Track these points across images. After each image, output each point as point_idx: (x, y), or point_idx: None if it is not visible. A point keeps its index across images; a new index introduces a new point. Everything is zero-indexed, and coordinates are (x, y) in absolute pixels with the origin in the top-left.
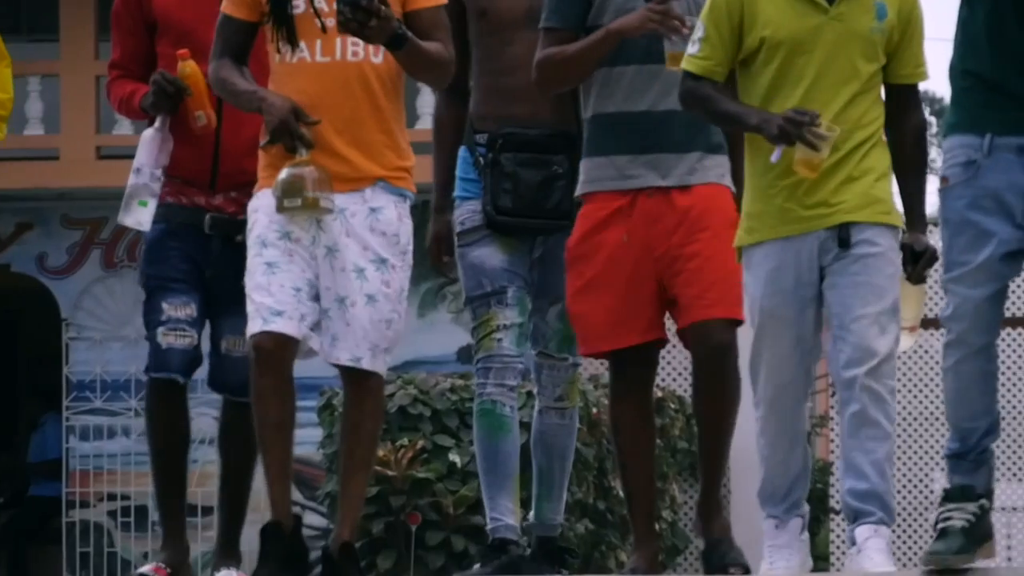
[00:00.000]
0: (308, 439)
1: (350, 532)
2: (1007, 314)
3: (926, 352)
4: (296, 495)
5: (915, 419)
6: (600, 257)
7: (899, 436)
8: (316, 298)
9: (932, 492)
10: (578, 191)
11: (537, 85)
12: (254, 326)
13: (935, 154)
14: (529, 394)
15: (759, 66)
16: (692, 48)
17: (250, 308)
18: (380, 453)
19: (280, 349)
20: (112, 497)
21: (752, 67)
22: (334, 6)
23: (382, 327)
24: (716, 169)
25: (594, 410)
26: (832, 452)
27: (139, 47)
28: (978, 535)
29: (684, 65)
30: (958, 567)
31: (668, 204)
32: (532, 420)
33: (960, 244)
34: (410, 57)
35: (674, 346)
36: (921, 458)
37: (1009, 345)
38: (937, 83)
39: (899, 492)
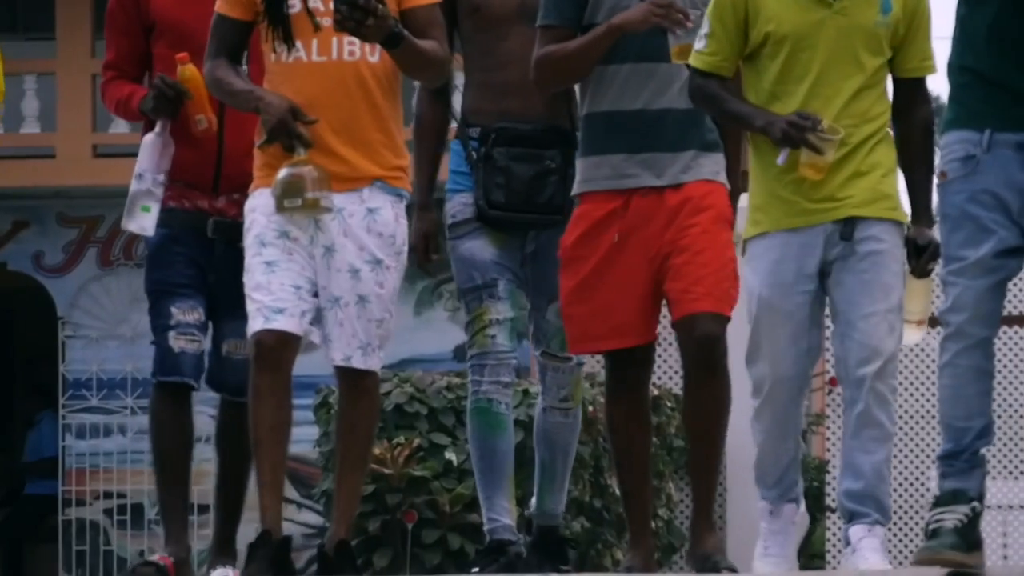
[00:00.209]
0: (304, 437)
1: (346, 530)
2: (1003, 312)
3: (923, 351)
4: (292, 493)
5: (911, 418)
6: (595, 259)
7: (896, 435)
8: (315, 295)
9: (928, 491)
10: (574, 190)
11: (536, 83)
12: (255, 324)
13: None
14: (526, 392)
15: (764, 61)
16: (698, 44)
17: (250, 307)
18: (376, 451)
19: (282, 347)
20: (108, 495)
21: (757, 62)
22: (330, 5)
23: (372, 327)
24: (711, 167)
25: (590, 408)
26: (828, 451)
27: (134, 48)
28: (971, 537)
29: (691, 62)
30: (951, 560)
31: (660, 203)
32: (531, 417)
33: (959, 239)
34: (406, 56)
35: (671, 344)
36: (917, 457)
37: (1005, 343)
38: (934, 81)
39: (895, 491)
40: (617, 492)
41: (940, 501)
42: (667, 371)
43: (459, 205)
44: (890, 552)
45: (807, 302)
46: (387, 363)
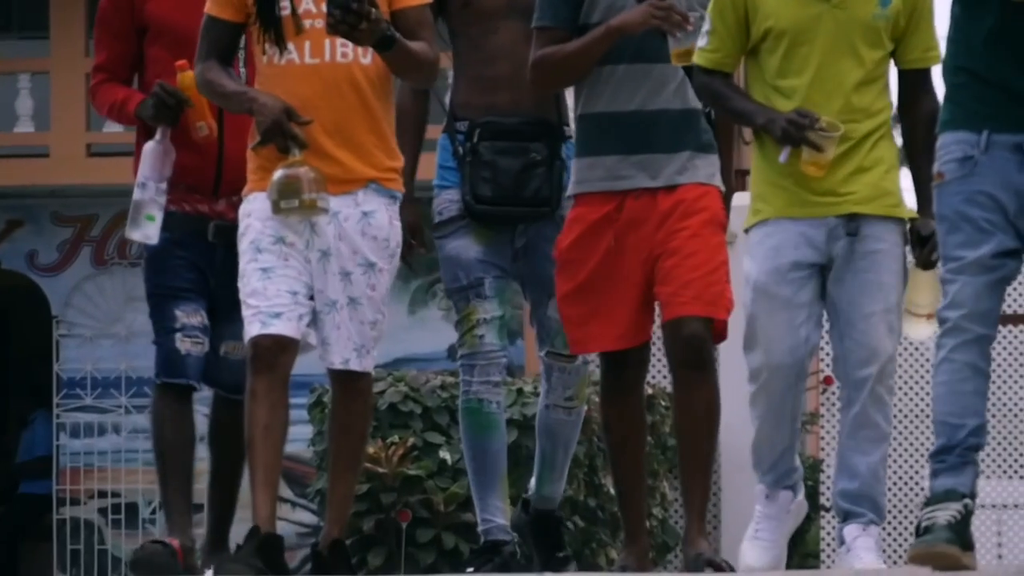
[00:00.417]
0: (298, 436)
1: (340, 530)
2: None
3: (916, 350)
4: (286, 492)
5: (906, 417)
6: (592, 262)
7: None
8: (311, 298)
9: (922, 490)
10: (569, 191)
11: (534, 85)
12: (252, 329)
13: None
14: (520, 391)
15: (764, 55)
16: (701, 41)
17: (247, 313)
18: (371, 450)
19: (280, 351)
20: (103, 494)
21: (758, 56)
22: (322, 7)
23: (366, 328)
24: (706, 169)
25: (585, 407)
26: (822, 450)
27: (127, 50)
28: (964, 536)
29: (695, 59)
30: (946, 554)
31: (653, 206)
32: (525, 416)
33: (957, 240)
34: (397, 58)
35: None
36: (911, 456)
37: (999, 342)
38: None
39: (889, 490)
40: (612, 491)
41: (932, 500)
42: (662, 370)
43: (446, 202)
44: (884, 552)
45: (805, 290)
46: (381, 362)
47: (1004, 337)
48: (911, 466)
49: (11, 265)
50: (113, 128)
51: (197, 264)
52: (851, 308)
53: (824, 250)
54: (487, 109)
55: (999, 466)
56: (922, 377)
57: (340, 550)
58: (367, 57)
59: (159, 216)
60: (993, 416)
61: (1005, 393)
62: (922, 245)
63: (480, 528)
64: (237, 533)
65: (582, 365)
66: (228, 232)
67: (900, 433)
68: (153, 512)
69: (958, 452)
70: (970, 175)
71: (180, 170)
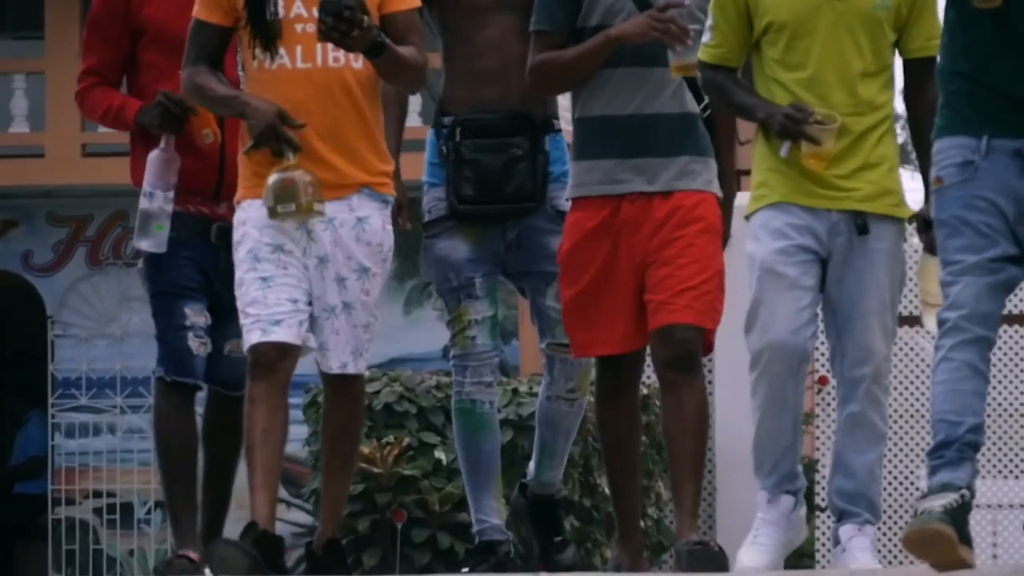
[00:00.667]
0: (293, 436)
1: (334, 529)
2: None
3: (911, 349)
4: (281, 492)
5: (901, 416)
6: (591, 269)
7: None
8: (310, 303)
9: (917, 489)
10: (567, 194)
11: (532, 89)
12: (253, 337)
13: None
14: (515, 391)
15: (765, 48)
16: (704, 37)
17: (246, 321)
18: (366, 450)
19: (280, 357)
20: (98, 494)
21: (761, 50)
22: (314, 12)
23: (360, 332)
24: (704, 175)
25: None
26: (817, 450)
27: (118, 54)
28: (961, 524)
29: (699, 55)
30: (941, 532)
31: (649, 211)
32: (520, 416)
33: (958, 244)
34: (387, 64)
35: None
36: (907, 455)
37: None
38: None
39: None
40: (607, 491)
41: (928, 493)
42: None
43: (434, 201)
44: (879, 552)
45: (809, 275)
46: (377, 362)
47: (999, 337)
48: (906, 466)
49: (6, 265)
50: (108, 129)
51: (201, 265)
52: (851, 307)
53: (824, 243)
54: (474, 104)
55: (994, 466)
56: (917, 377)
57: (336, 549)
58: (358, 61)
59: (167, 225)
60: (988, 416)
61: (1000, 393)
62: (928, 229)
63: (475, 528)
64: (231, 532)
65: None
66: (230, 234)
67: (895, 433)
68: (148, 512)
69: (956, 448)
70: (970, 180)
71: (182, 174)
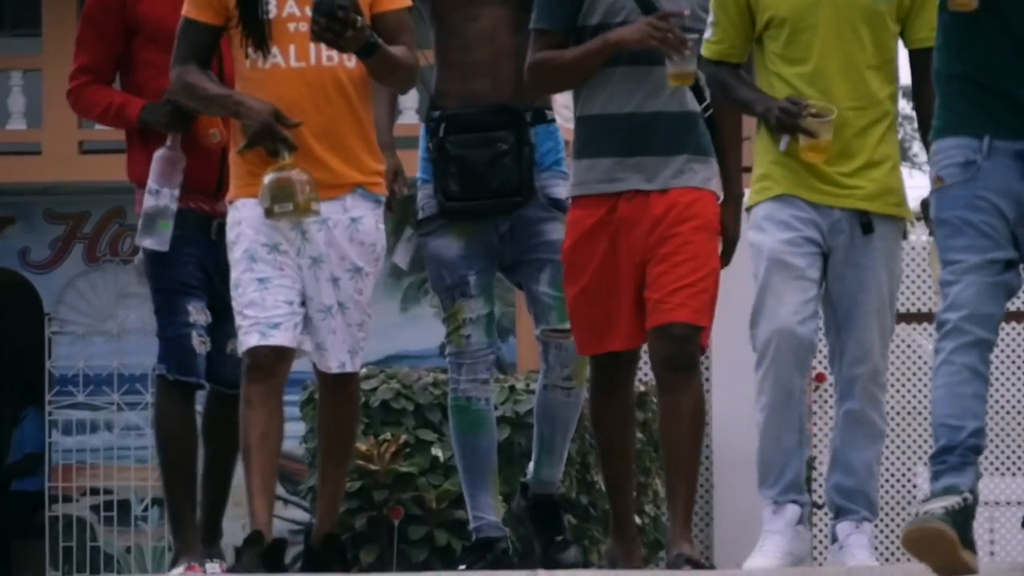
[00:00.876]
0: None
1: (331, 524)
2: None
3: (909, 347)
4: (278, 489)
5: (899, 414)
6: (591, 267)
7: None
8: (303, 304)
9: (915, 487)
10: (567, 192)
11: (530, 88)
12: (251, 340)
13: (916, 148)
14: (512, 388)
15: (768, 43)
16: (707, 33)
17: (244, 323)
18: (363, 448)
19: (278, 361)
20: (95, 491)
21: (763, 45)
22: (306, 11)
23: (355, 331)
24: (703, 173)
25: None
26: (815, 447)
27: (113, 52)
28: (963, 526)
29: (702, 51)
30: (940, 531)
31: (646, 208)
32: (517, 414)
33: (959, 243)
34: (379, 64)
35: None
36: (904, 453)
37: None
38: None
39: (882, 487)
40: (603, 488)
41: (930, 497)
42: None
43: (425, 198)
44: (877, 549)
45: (815, 268)
46: (373, 359)
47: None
48: (904, 463)
49: (3, 262)
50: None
51: (203, 262)
52: (851, 305)
53: (826, 238)
54: (465, 96)
55: (991, 463)
56: (914, 374)
57: (335, 544)
58: (351, 60)
59: (172, 223)
60: (986, 413)
61: (998, 390)
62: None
63: (471, 525)
64: (228, 528)
65: None
66: None
67: (893, 431)
68: (145, 509)
69: (959, 452)
70: (972, 180)
71: (185, 173)
